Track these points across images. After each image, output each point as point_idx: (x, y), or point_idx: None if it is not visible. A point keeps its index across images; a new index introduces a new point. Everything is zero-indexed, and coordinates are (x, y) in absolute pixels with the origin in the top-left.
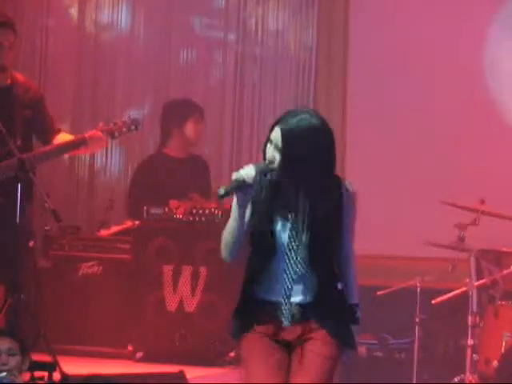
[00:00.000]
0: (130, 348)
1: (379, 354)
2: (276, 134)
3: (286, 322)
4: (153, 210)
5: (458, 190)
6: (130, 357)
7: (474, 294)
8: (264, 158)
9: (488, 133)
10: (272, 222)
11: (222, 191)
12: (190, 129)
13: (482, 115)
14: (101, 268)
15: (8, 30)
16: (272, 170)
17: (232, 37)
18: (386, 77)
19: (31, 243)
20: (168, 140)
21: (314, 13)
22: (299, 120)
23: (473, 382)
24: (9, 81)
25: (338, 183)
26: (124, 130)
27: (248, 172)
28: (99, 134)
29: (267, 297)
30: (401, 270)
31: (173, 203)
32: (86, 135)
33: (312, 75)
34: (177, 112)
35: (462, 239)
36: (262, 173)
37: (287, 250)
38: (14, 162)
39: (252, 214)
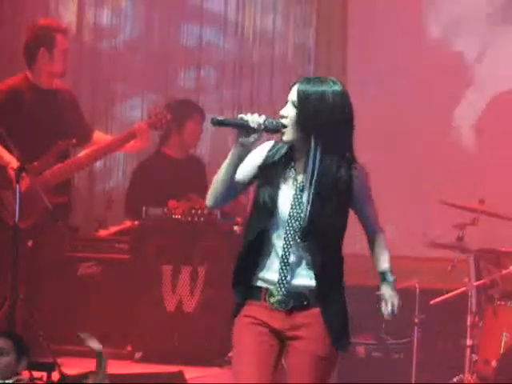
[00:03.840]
0: (129, 348)
1: (378, 354)
2: (293, 92)
3: (277, 305)
4: (151, 211)
5: (457, 190)
6: (129, 357)
7: (473, 294)
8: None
9: (487, 132)
10: (277, 188)
11: (218, 118)
12: (189, 129)
13: (482, 114)
14: (99, 268)
15: (67, 38)
16: (281, 127)
17: (230, 39)
18: (387, 76)
19: (29, 243)
20: (167, 139)
21: (313, 12)
22: (319, 80)
23: (472, 382)
24: (54, 85)
25: (349, 163)
26: (164, 121)
27: (255, 118)
28: (144, 126)
29: (260, 276)
30: (400, 270)
31: (171, 203)
32: (134, 129)
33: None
34: (177, 112)
35: (461, 239)
36: (270, 126)
37: (288, 218)
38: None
39: (258, 178)
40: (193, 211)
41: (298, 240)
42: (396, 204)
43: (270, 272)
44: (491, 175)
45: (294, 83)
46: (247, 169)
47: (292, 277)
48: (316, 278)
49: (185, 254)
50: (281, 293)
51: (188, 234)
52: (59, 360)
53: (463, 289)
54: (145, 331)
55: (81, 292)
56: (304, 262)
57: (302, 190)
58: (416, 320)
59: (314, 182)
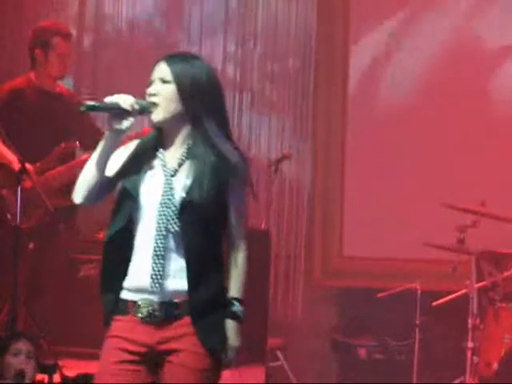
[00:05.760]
0: None
1: (379, 356)
2: (160, 69)
3: (147, 319)
4: None
5: (458, 192)
6: None
7: (474, 296)
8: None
9: (488, 134)
10: (141, 179)
11: (88, 103)
12: None
13: (482, 116)
14: None
15: (70, 42)
16: (152, 106)
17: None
18: (387, 78)
19: (31, 245)
20: None
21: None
22: (185, 56)
23: None
24: (58, 88)
25: (230, 152)
26: None
27: (126, 99)
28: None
29: (127, 285)
30: (401, 272)
31: None
32: (141, 133)
33: (311, 77)
34: None
35: (462, 241)
36: (142, 105)
37: (159, 206)
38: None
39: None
40: None
41: (172, 229)
42: (397, 206)
43: (139, 277)
44: (492, 177)
45: (157, 61)
46: (114, 166)
47: (165, 276)
48: (190, 279)
49: None
50: (155, 292)
51: None
52: (60, 362)
53: (464, 291)
54: None
55: (82, 294)
56: (178, 258)
57: (173, 175)
58: (417, 322)
59: (188, 162)
